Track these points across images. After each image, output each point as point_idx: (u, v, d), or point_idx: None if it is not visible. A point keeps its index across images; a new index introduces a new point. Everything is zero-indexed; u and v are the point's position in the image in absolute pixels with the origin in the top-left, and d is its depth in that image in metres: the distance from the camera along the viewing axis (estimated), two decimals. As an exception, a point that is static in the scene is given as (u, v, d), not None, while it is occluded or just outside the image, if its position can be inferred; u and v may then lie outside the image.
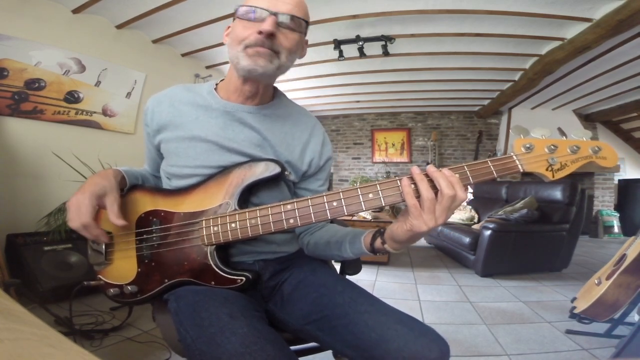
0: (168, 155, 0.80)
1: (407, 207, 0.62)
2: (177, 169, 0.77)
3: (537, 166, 0.61)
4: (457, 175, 0.58)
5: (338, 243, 0.77)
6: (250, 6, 0.69)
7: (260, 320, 0.64)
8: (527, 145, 0.61)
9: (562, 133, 0.64)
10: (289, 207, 0.66)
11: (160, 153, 0.83)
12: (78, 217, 0.67)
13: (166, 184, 0.83)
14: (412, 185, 0.59)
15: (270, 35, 0.68)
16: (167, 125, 0.78)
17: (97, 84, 2.83)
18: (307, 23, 0.74)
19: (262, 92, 0.79)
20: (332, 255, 0.81)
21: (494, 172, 0.61)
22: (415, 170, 0.59)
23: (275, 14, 0.68)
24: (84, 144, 2.71)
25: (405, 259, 3.57)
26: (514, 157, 0.61)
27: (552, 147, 0.61)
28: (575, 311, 1.80)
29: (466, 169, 0.61)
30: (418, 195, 0.58)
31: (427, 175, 0.59)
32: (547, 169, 0.61)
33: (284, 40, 0.70)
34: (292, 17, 0.70)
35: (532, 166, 0.61)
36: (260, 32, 0.67)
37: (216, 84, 0.83)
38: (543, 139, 0.62)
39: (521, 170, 0.61)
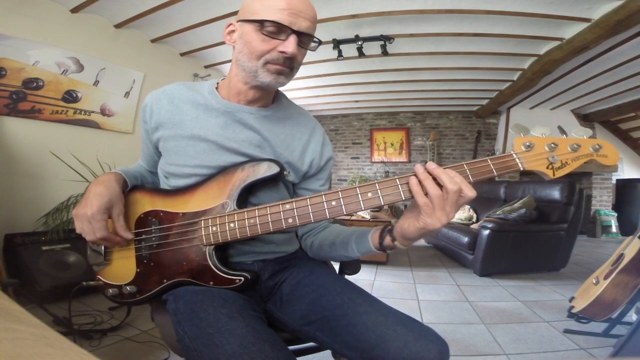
0: (166, 153, 0.79)
1: (414, 206, 0.62)
2: (176, 168, 0.77)
3: (537, 164, 0.61)
4: (460, 176, 0.58)
5: (344, 243, 0.76)
6: (271, 21, 0.66)
7: (258, 320, 0.64)
8: (527, 144, 0.61)
9: (562, 131, 0.64)
10: (287, 206, 0.66)
11: (158, 150, 0.83)
12: (93, 232, 0.70)
13: (163, 182, 0.82)
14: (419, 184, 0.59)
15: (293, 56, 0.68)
16: (166, 122, 0.78)
17: (96, 83, 2.82)
18: (320, 43, 0.73)
19: (266, 97, 0.80)
20: (339, 256, 0.80)
21: (493, 170, 0.60)
22: (420, 168, 0.59)
23: (296, 33, 0.67)
24: (82, 143, 2.70)
25: (404, 259, 3.58)
26: (514, 155, 0.61)
27: (552, 145, 0.61)
28: (573, 311, 1.81)
29: (466, 167, 0.61)
30: (426, 193, 0.58)
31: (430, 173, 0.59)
32: (547, 167, 0.61)
33: (299, 57, 0.71)
34: (310, 37, 0.70)
35: (532, 164, 0.61)
36: (282, 52, 0.67)
37: (217, 83, 0.83)
38: (543, 137, 0.62)
39: (521, 169, 0.61)
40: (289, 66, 0.70)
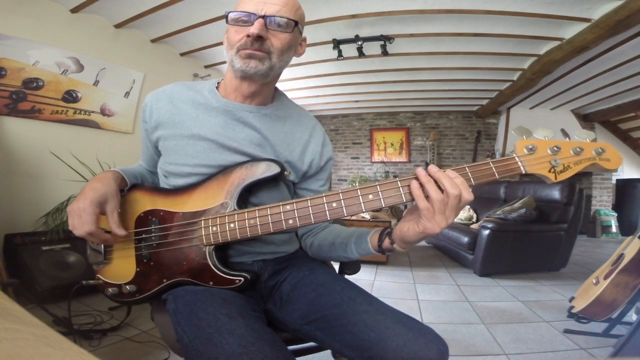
0: (166, 152, 0.79)
1: (413, 209, 0.62)
2: (176, 167, 0.77)
3: (539, 168, 0.60)
4: (461, 178, 0.58)
5: (343, 244, 0.77)
6: (239, 11, 0.71)
7: (258, 320, 0.64)
8: (530, 147, 0.60)
9: (565, 134, 0.63)
10: (288, 207, 0.65)
11: (157, 150, 0.83)
12: (81, 225, 0.68)
13: (163, 182, 0.82)
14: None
15: (259, 38, 0.69)
16: (166, 122, 0.78)
17: (96, 83, 2.82)
18: (297, 23, 0.73)
19: (262, 92, 0.79)
20: (338, 257, 0.81)
21: (495, 173, 0.60)
22: (421, 172, 0.59)
23: (263, 17, 0.69)
24: (82, 143, 2.70)
25: (404, 259, 3.58)
26: (516, 158, 0.60)
27: (555, 148, 0.60)
28: (573, 311, 1.81)
29: (467, 170, 0.60)
30: (426, 196, 0.58)
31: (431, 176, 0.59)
32: (549, 171, 0.60)
33: (274, 41, 0.71)
34: (281, 18, 0.70)
35: (534, 168, 0.60)
36: (248, 36, 0.69)
37: (217, 83, 0.83)
38: (546, 140, 0.61)
39: (523, 172, 0.60)
40: (259, 49, 0.70)
